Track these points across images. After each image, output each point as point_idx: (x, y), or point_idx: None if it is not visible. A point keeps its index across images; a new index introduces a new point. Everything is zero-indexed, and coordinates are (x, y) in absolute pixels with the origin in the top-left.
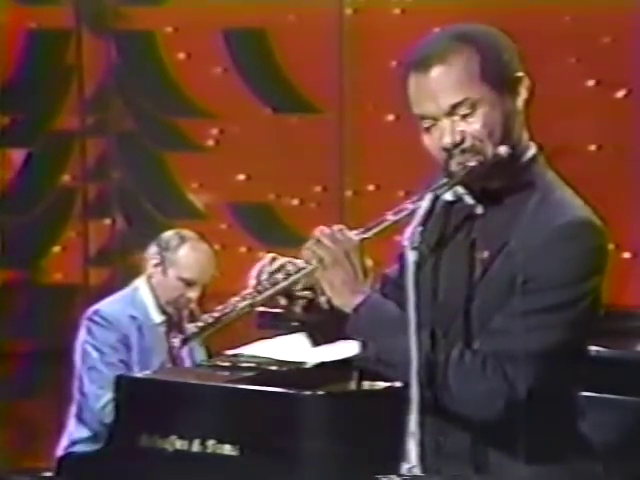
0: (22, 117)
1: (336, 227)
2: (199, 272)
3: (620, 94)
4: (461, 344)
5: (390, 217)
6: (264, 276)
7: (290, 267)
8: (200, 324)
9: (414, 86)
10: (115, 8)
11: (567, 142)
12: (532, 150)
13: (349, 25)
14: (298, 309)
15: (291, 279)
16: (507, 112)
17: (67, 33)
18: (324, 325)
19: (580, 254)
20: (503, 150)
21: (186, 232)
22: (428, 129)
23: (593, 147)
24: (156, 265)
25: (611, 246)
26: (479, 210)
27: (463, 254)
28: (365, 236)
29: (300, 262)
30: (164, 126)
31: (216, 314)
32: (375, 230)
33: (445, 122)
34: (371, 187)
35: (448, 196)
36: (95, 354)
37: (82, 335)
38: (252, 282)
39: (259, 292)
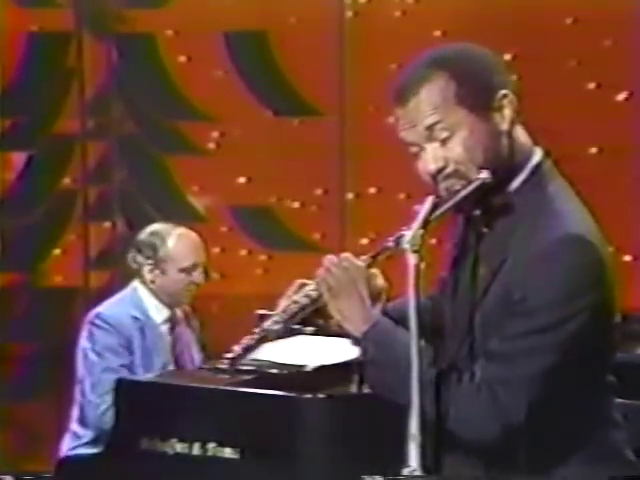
0: (23, 120)
1: (343, 255)
2: (195, 255)
3: (621, 97)
4: (460, 367)
5: (391, 244)
6: (289, 301)
7: (313, 292)
8: (244, 346)
9: (399, 117)
10: (116, 11)
11: (567, 145)
12: (535, 158)
13: (350, 27)
14: (334, 326)
15: (315, 303)
16: (489, 133)
17: (68, 36)
18: None
19: (566, 272)
20: (483, 175)
21: (158, 227)
22: (417, 155)
23: (594, 150)
24: (152, 269)
25: (611, 249)
26: (483, 229)
27: (469, 271)
28: (369, 262)
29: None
30: (165, 129)
31: (256, 336)
32: (378, 257)
33: (428, 149)
34: (372, 190)
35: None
36: (96, 359)
37: (83, 339)
38: (281, 307)
39: (289, 316)
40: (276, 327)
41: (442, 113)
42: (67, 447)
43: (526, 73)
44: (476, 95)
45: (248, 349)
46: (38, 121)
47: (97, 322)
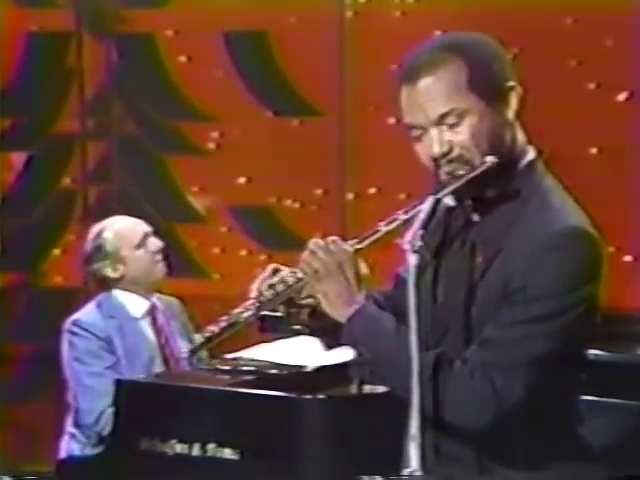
0: (23, 120)
1: (330, 238)
2: (139, 228)
3: (621, 97)
4: (451, 353)
5: (382, 228)
6: (264, 287)
7: (290, 278)
8: (207, 334)
9: (404, 97)
10: (115, 11)
11: (567, 145)
12: (530, 155)
13: (350, 27)
14: (303, 316)
15: (291, 289)
16: (496, 122)
17: (67, 36)
18: (330, 329)
19: (569, 263)
20: (489, 159)
21: (93, 230)
22: (418, 138)
23: (594, 150)
24: (114, 267)
25: (611, 249)
26: (475, 218)
27: (461, 259)
28: (358, 247)
29: (300, 273)
30: (165, 129)
31: (222, 324)
32: (368, 241)
33: (433, 132)
34: (372, 190)
35: (449, 201)
36: (79, 367)
37: (64, 348)
38: (253, 293)
39: (261, 302)
40: (247, 314)
41: (455, 100)
42: (66, 449)
43: (526, 73)
44: (487, 83)
45: (213, 337)
46: (38, 121)
47: (74, 329)
